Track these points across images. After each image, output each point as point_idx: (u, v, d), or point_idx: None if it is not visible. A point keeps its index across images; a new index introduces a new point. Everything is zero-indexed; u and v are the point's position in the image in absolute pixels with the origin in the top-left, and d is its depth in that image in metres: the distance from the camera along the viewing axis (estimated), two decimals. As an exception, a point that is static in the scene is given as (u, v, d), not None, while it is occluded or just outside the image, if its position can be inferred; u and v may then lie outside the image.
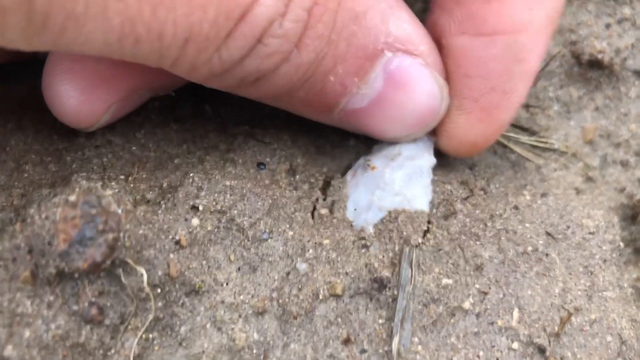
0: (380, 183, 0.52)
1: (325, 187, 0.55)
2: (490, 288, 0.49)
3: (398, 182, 0.51)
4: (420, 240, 0.50)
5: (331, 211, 0.52)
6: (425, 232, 0.52)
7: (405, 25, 0.48)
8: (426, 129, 0.53)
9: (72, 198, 0.41)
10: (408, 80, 0.48)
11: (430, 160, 0.53)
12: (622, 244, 0.58)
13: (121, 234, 0.42)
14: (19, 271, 0.43)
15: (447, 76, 0.51)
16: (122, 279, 0.43)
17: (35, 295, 0.43)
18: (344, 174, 0.56)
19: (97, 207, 0.41)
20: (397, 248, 0.49)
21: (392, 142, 0.54)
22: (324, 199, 0.54)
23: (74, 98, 0.48)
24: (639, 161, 0.64)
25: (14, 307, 0.43)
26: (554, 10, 0.50)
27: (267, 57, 0.42)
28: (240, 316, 0.47)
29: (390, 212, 0.51)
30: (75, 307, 0.43)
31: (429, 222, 0.52)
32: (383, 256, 0.48)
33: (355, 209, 0.52)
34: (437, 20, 0.51)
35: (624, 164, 0.64)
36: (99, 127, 0.51)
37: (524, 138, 0.62)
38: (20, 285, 0.43)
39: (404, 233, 0.49)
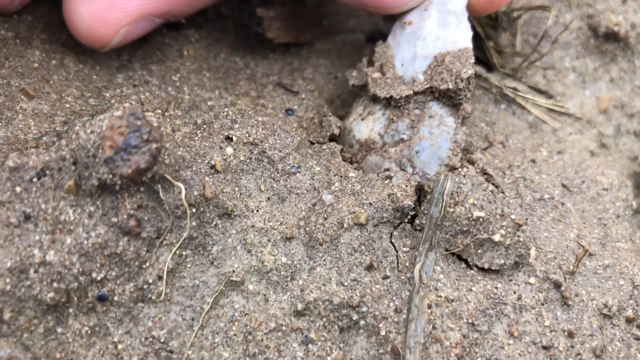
0: (419, 34, 0.53)
1: (371, 54, 0.56)
2: (508, 228, 0.51)
3: (436, 28, 0.53)
4: (470, 72, 0.51)
5: (382, 73, 0.54)
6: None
7: None
8: None
9: (118, 112, 0.44)
10: None
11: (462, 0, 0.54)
12: (634, 204, 0.60)
13: (162, 149, 0.44)
14: (63, 180, 0.45)
15: None
16: (161, 194, 0.46)
17: (77, 204, 0.45)
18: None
19: (142, 119, 0.43)
20: (450, 86, 0.51)
21: None
22: (372, 65, 0.55)
23: (87, 21, 0.52)
24: (653, 131, 0.66)
25: (58, 215, 0.45)
26: None
27: None
28: (269, 240, 0.49)
29: (435, 57, 0.52)
30: (114, 219, 0.45)
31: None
32: (406, 186, 0.50)
33: (402, 65, 0.53)
34: None
35: (637, 134, 0.66)
36: (112, 48, 0.55)
37: (541, 101, 0.64)
38: (63, 194, 0.45)
39: (454, 70, 0.51)
